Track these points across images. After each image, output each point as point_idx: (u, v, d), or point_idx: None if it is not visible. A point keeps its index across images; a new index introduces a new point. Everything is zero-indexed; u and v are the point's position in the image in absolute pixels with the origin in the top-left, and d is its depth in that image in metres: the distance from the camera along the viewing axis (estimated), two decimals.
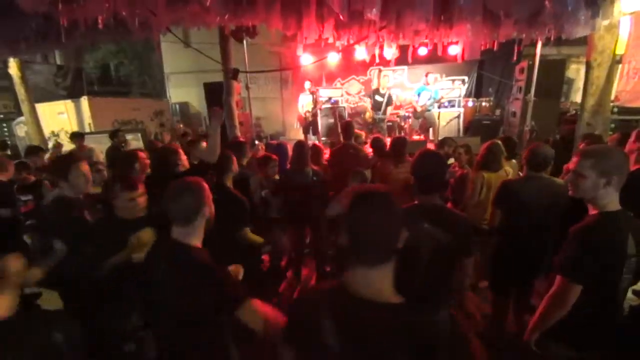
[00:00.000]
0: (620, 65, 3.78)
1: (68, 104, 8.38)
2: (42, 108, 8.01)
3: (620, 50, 3.77)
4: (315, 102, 8.01)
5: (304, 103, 8.15)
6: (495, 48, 4.40)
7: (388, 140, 4.51)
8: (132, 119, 9.10)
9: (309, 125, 8.13)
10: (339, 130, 4.27)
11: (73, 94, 9.04)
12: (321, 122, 8.08)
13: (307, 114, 8.06)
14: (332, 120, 7.66)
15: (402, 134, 8.26)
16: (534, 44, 4.79)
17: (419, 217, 1.63)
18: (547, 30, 3.60)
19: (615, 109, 5.16)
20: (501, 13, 2.87)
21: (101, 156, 5.58)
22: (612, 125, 4.91)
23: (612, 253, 1.42)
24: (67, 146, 7.44)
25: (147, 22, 3.33)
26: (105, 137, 5.82)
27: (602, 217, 1.46)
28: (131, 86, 14.42)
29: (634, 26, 3.65)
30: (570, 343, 1.55)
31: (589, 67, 3.74)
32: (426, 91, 7.52)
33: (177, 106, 11.54)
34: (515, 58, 5.13)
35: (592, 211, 1.51)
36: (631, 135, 2.39)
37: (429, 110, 7.50)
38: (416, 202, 1.76)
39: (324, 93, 9.24)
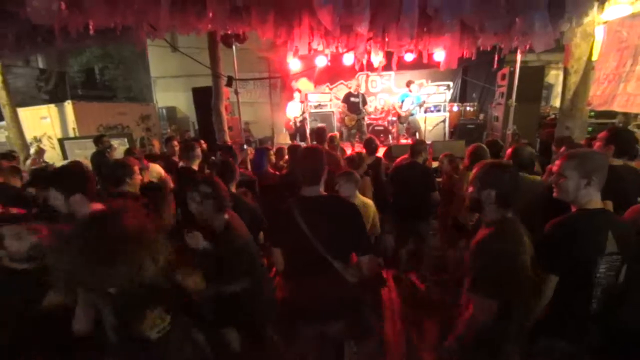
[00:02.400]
0: (594, 71, 3.97)
1: (51, 108, 8.21)
2: (24, 112, 7.82)
3: (595, 57, 3.97)
4: (304, 109, 8.14)
5: (292, 110, 8.23)
6: (473, 59, 4.60)
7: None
8: (118, 123, 8.97)
9: (297, 132, 8.21)
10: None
11: (56, 98, 8.87)
12: (310, 128, 8.15)
13: (296, 120, 8.13)
14: (324, 125, 7.81)
15: (390, 138, 8.42)
16: (514, 51, 4.97)
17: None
18: (519, 42, 3.84)
19: (592, 113, 5.40)
20: (476, 27, 3.06)
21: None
22: (590, 129, 5.14)
23: (584, 247, 1.49)
24: (50, 152, 7.29)
25: (141, 29, 3.35)
26: (90, 143, 5.72)
27: (576, 213, 1.55)
28: (117, 90, 14.19)
29: (606, 35, 3.85)
30: (548, 334, 1.62)
31: (566, 73, 3.92)
32: (409, 97, 7.74)
33: (164, 110, 11.43)
34: (495, 66, 5.32)
35: (573, 208, 1.59)
36: (599, 138, 2.48)
37: (413, 115, 7.70)
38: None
39: (313, 98, 9.34)
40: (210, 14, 2.79)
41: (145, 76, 12.54)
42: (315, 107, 8.89)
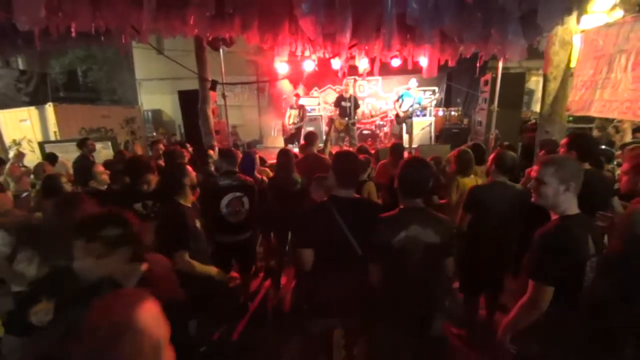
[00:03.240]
0: (572, 78, 4.13)
1: (31, 110, 7.96)
2: (2, 115, 7.59)
3: (573, 65, 4.12)
4: (302, 116, 8.12)
5: (291, 115, 8.23)
6: (453, 65, 4.74)
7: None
8: (102, 126, 8.77)
9: (292, 137, 8.19)
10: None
11: (37, 101, 8.60)
12: (304, 132, 8.15)
13: (292, 126, 8.12)
14: (312, 129, 7.85)
15: (378, 141, 8.51)
16: (496, 58, 5.12)
17: (407, 220, 1.79)
18: (497, 51, 4.02)
19: (571, 118, 5.59)
20: (455, 38, 3.19)
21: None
22: (568, 133, 5.33)
23: (575, 254, 1.51)
24: (30, 156, 7.07)
25: (126, 33, 3.31)
26: (73, 146, 5.57)
27: (562, 221, 1.56)
28: (100, 93, 13.88)
29: (583, 43, 4.01)
30: (544, 341, 1.63)
31: (546, 79, 4.05)
32: (410, 97, 7.65)
33: (150, 113, 11.25)
34: (477, 73, 5.47)
35: (554, 216, 1.61)
36: (562, 145, 2.58)
37: (410, 118, 7.58)
38: (401, 206, 1.86)
39: (301, 102, 9.38)
40: (192, 21, 2.79)
41: (130, 78, 12.32)
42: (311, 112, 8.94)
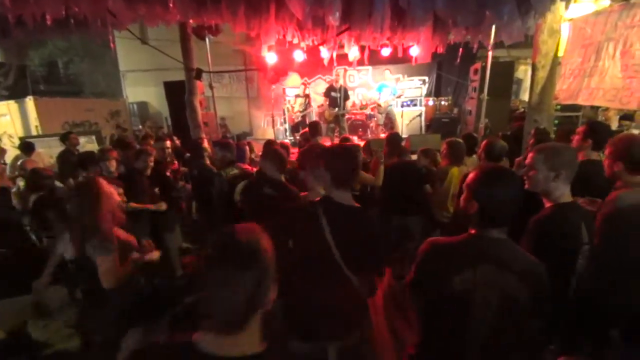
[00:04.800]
0: (560, 67, 4.14)
1: (11, 104, 7.69)
2: None
3: (561, 53, 4.13)
4: (308, 104, 8.33)
5: (292, 102, 8.40)
6: (442, 52, 4.71)
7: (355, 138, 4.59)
8: (86, 120, 8.54)
9: (298, 124, 8.37)
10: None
11: (16, 94, 8.30)
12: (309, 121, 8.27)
13: (298, 114, 8.23)
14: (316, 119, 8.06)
15: (369, 132, 8.49)
16: (485, 47, 5.11)
17: (480, 255, 1.23)
18: (487, 36, 3.97)
19: (558, 107, 5.65)
20: (449, 21, 3.14)
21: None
22: (556, 121, 5.38)
23: (568, 239, 1.54)
24: (12, 151, 6.84)
25: (104, 21, 3.17)
26: (56, 141, 5.42)
27: (556, 208, 1.60)
28: (83, 85, 13.48)
29: (571, 31, 4.02)
30: None
31: (534, 68, 4.06)
32: (387, 88, 7.99)
33: (135, 106, 10.97)
34: (458, 60, 5.46)
35: (547, 204, 1.65)
36: (578, 132, 2.53)
37: (391, 106, 7.93)
38: (473, 232, 1.29)
39: (291, 92, 9.29)
40: (171, 4, 2.69)
41: (114, 70, 11.97)
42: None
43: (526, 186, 1.70)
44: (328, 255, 1.52)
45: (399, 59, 6.44)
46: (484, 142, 2.71)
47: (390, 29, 3.51)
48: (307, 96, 8.68)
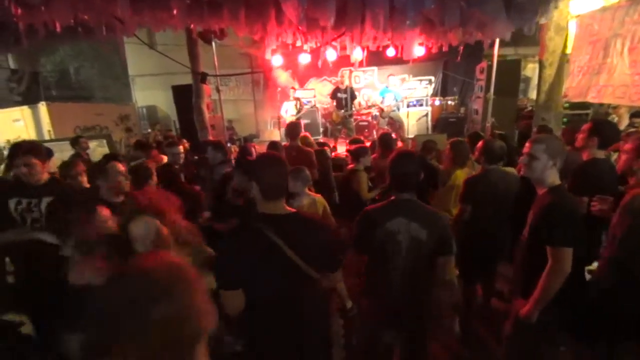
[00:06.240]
0: (568, 64, 4.09)
1: (25, 110, 7.88)
2: None
3: (569, 50, 4.08)
4: (300, 108, 8.30)
5: (288, 109, 8.38)
6: (444, 50, 4.69)
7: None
8: (96, 124, 8.69)
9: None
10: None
11: (29, 100, 8.51)
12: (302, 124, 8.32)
13: (291, 118, 8.25)
14: (308, 122, 8.11)
15: (375, 133, 8.48)
16: (492, 45, 5.07)
17: (395, 211, 1.77)
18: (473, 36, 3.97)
19: (567, 105, 5.57)
20: (437, 21, 3.17)
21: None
22: (565, 120, 5.31)
23: (578, 213, 1.67)
24: None
25: (112, 27, 3.26)
26: (67, 145, 5.54)
27: (557, 189, 1.72)
28: (93, 90, 13.69)
29: (578, 28, 3.97)
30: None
31: (541, 66, 4.04)
32: (390, 93, 7.94)
33: (144, 110, 11.15)
34: (458, 58, 5.44)
35: (541, 190, 1.76)
36: (582, 131, 2.49)
37: (394, 111, 7.94)
38: (392, 198, 1.85)
39: (297, 94, 9.33)
40: (175, 11, 2.75)
41: (123, 75, 12.18)
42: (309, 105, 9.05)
43: (521, 173, 1.86)
44: (294, 268, 1.38)
45: (403, 60, 6.43)
46: (479, 144, 2.66)
47: (383, 29, 3.53)
48: (297, 100, 8.57)
